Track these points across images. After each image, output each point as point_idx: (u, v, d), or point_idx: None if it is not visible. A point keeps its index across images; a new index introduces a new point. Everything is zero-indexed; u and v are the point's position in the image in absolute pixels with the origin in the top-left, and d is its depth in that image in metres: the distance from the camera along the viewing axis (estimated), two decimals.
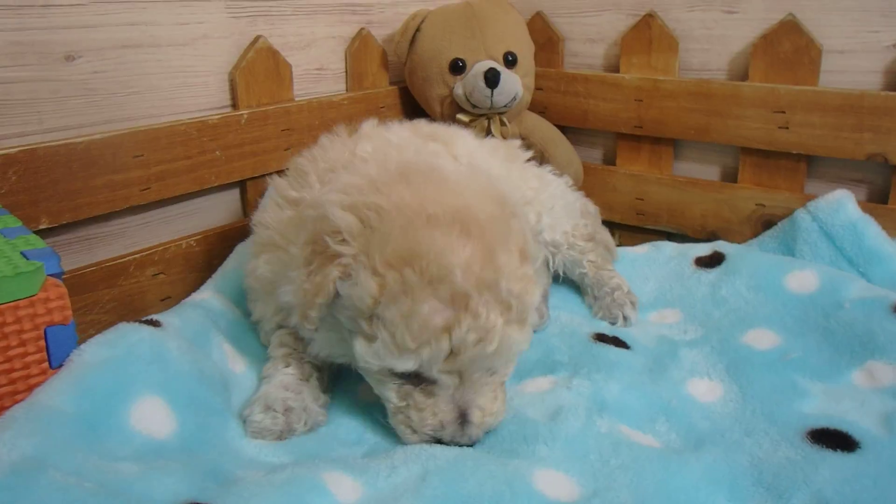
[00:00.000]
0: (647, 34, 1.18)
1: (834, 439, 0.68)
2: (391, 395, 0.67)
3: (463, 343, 0.60)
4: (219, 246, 1.01)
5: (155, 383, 0.62)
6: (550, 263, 1.00)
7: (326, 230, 0.62)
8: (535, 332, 0.88)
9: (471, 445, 0.66)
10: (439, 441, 0.66)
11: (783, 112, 1.08)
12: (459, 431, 0.66)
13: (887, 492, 0.60)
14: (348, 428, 0.72)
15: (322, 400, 0.73)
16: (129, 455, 0.56)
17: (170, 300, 0.97)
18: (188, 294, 0.90)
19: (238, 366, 0.79)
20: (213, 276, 0.92)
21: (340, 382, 0.79)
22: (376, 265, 0.60)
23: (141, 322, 0.68)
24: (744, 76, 1.13)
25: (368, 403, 0.74)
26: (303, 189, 0.76)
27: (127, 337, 0.64)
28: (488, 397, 0.67)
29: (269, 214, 0.78)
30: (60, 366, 0.59)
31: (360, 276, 0.60)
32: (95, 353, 0.60)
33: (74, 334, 0.60)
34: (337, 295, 0.62)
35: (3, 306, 0.55)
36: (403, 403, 0.66)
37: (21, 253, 0.59)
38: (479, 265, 0.60)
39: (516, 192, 0.98)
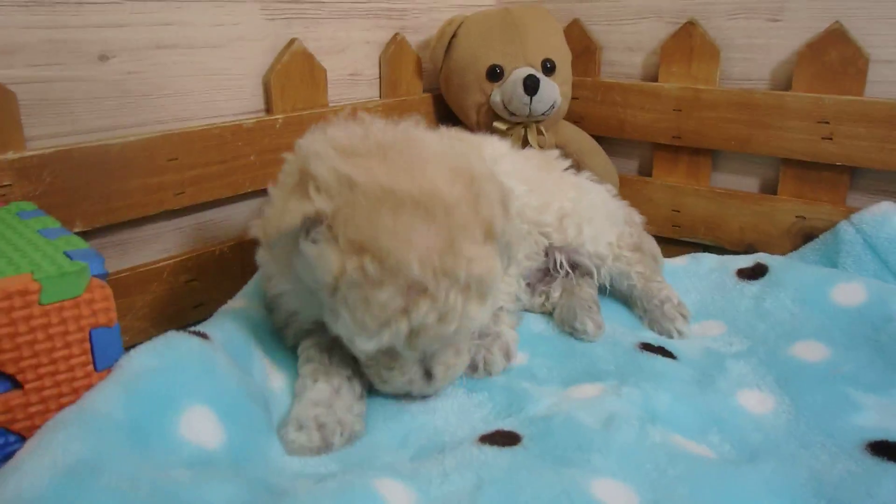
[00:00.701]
0: (688, 42, 1.17)
1: (894, 452, 0.67)
2: (361, 356, 0.72)
3: (422, 325, 0.63)
4: (252, 254, 0.99)
5: (204, 394, 0.61)
6: (595, 276, 0.98)
7: (310, 174, 0.65)
8: (590, 341, 0.89)
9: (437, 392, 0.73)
10: (408, 394, 0.73)
11: (827, 123, 1.07)
12: (426, 385, 0.72)
13: None
14: (390, 433, 0.71)
15: (357, 409, 0.72)
16: (180, 463, 0.54)
17: (202, 307, 0.96)
18: (221, 301, 0.89)
19: (276, 382, 0.77)
20: (248, 283, 0.90)
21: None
22: (340, 244, 0.62)
23: (189, 332, 0.67)
24: (786, 86, 1.12)
25: (408, 406, 0.74)
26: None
27: (177, 347, 0.63)
28: (450, 354, 0.72)
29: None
30: (105, 369, 0.58)
31: (324, 250, 0.63)
32: (144, 360, 0.59)
33: (119, 337, 0.59)
34: (299, 250, 0.64)
35: (48, 307, 0.54)
36: (373, 362, 0.72)
37: (64, 253, 0.58)
38: (438, 254, 0.62)
39: (551, 198, 0.97)
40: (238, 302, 0.86)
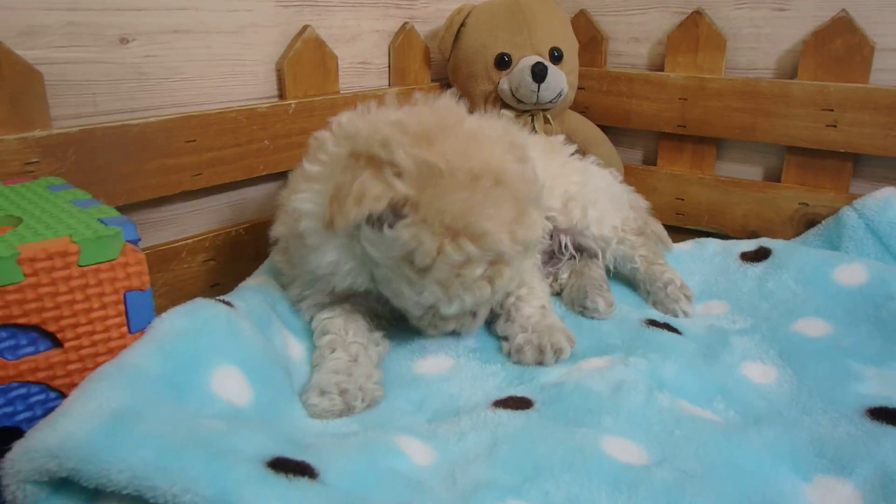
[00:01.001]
0: (695, 32, 1.21)
1: (895, 416, 0.70)
2: (415, 310, 0.78)
3: (502, 287, 0.74)
4: (266, 235, 1.03)
5: (232, 355, 0.65)
6: (601, 258, 1.02)
7: (387, 159, 0.68)
8: (602, 319, 0.93)
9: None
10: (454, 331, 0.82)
11: (832, 110, 1.11)
12: (473, 324, 0.81)
13: None
14: (406, 398, 0.74)
15: (376, 376, 0.76)
16: (212, 415, 0.58)
17: (219, 287, 1.00)
18: (237, 281, 0.92)
19: (295, 352, 0.81)
20: (265, 262, 0.94)
21: (393, 357, 0.82)
22: (436, 228, 0.68)
23: (215, 300, 0.71)
24: (791, 75, 1.16)
25: (423, 375, 0.78)
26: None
27: (204, 310, 0.67)
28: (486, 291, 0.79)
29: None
30: (139, 331, 0.61)
31: (420, 234, 0.68)
32: (175, 321, 0.63)
33: (151, 300, 0.62)
34: (371, 224, 0.70)
35: (86, 268, 0.57)
36: (426, 314, 0.79)
37: (98, 220, 0.61)
38: (516, 224, 0.71)
39: (556, 183, 1.00)
40: (257, 279, 0.90)
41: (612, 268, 1.04)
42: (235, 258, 1.02)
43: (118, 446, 0.47)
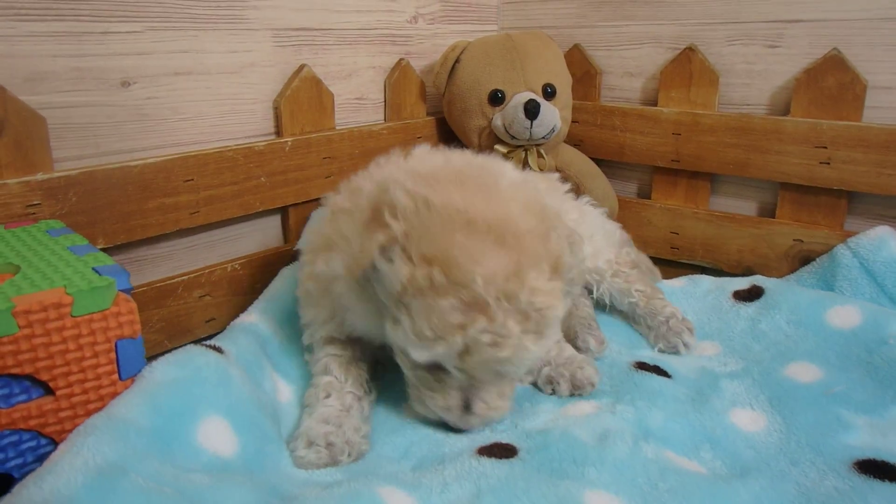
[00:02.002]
0: (688, 68, 1.23)
1: (882, 470, 0.70)
2: (409, 374, 0.76)
3: (476, 343, 0.66)
4: (262, 270, 1.06)
5: (220, 405, 0.66)
6: (594, 292, 1.04)
7: (386, 202, 0.69)
8: (594, 358, 0.93)
9: (472, 429, 0.76)
10: (443, 422, 0.76)
11: (825, 147, 1.12)
12: (462, 418, 0.75)
13: None
14: (393, 445, 0.76)
15: (363, 430, 0.76)
16: (198, 468, 0.60)
17: (214, 321, 1.02)
18: (232, 316, 0.95)
19: (284, 395, 0.83)
20: (260, 298, 0.97)
21: (382, 402, 0.84)
22: (412, 255, 0.66)
23: (206, 346, 0.73)
24: (785, 111, 1.18)
25: (412, 421, 0.79)
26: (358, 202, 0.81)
27: (195, 359, 0.69)
28: (493, 393, 0.75)
29: (324, 224, 0.83)
30: (129, 378, 0.64)
31: (396, 259, 0.67)
32: (165, 371, 0.65)
33: (142, 348, 0.64)
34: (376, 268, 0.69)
35: (79, 318, 0.60)
36: (418, 381, 0.75)
37: (93, 269, 0.64)
38: (504, 276, 0.66)
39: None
40: (250, 317, 0.92)
41: (607, 303, 1.06)
42: (231, 293, 1.05)
43: (103, 502, 0.49)
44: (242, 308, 0.97)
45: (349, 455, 0.72)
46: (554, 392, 0.85)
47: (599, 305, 1.07)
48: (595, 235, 1.04)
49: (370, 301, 0.73)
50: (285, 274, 1.00)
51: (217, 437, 0.64)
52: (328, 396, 0.77)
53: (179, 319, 0.99)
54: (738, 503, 0.66)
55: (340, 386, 0.78)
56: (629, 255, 1.07)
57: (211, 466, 0.61)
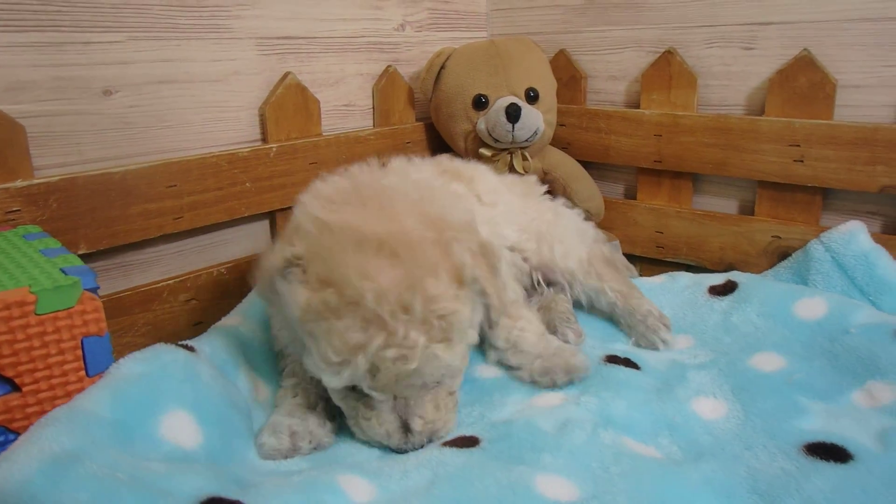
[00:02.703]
0: (667, 71, 1.23)
1: (829, 452, 0.71)
2: (340, 404, 0.74)
3: (382, 360, 0.65)
4: (248, 274, 1.06)
5: (185, 400, 0.67)
6: (568, 291, 1.03)
7: (296, 222, 0.73)
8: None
9: (417, 448, 0.73)
10: (388, 447, 0.73)
11: (798, 146, 1.12)
12: (404, 439, 0.72)
13: (875, 500, 0.63)
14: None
15: (328, 426, 0.77)
16: (158, 458, 0.61)
17: (201, 325, 1.03)
18: (219, 320, 0.95)
19: (261, 395, 0.84)
20: (242, 301, 0.97)
21: None
22: (310, 280, 0.67)
23: (176, 345, 0.74)
24: (760, 111, 1.17)
25: None
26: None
27: (162, 356, 0.70)
28: (428, 408, 0.73)
29: None
30: (97, 374, 0.64)
31: (295, 286, 0.67)
32: (132, 367, 0.66)
33: (109, 345, 0.65)
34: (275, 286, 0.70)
35: (44, 317, 0.61)
36: (353, 413, 0.74)
37: (60, 269, 0.65)
38: (397, 288, 0.65)
39: (532, 224, 1.03)
40: (232, 319, 0.93)
41: (584, 303, 1.06)
42: (217, 297, 1.05)
43: (54, 488, 0.50)
44: (228, 312, 0.98)
45: (310, 442, 0.73)
46: (553, 383, 0.84)
47: (578, 305, 1.07)
48: (566, 237, 1.04)
49: (279, 313, 0.75)
50: None
51: (180, 429, 0.65)
52: (296, 395, 0.78)
53: (165, 323, 1.00)
54: (687, 485, 0.67)
55: (306, 386, 0.79)
56: (602, 251, 1.06)
57: (171, 457, 0.62)
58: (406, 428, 0.72)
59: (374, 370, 0.66)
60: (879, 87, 1.07)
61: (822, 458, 0.69)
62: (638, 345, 0.99)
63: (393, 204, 0.72)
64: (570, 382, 0.84)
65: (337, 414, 0.79)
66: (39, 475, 0.51)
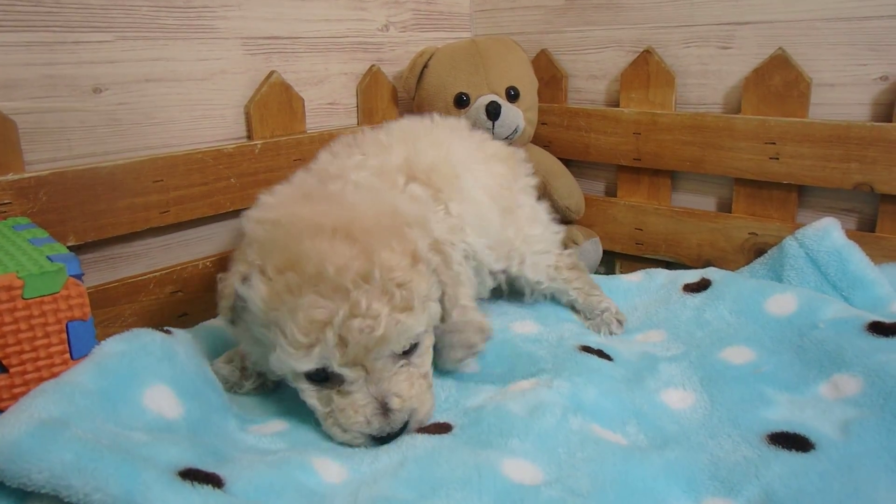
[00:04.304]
0: (646, 70, 1.28)
1: (791, 441, 0.74)
2: (315, 403, 0.76)
3: (348, 331, 0.68)
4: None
5: (165, 375, 0.73)
6: (526, 295, 1.10)
7: (244, 240, 0.76)
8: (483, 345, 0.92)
9: (398, 433, 0.74)
10: (370, 436, 0.74)
11: (774, 143, 1.16)
12: (385, 421, 0.73)
13: (831, 485, 0.66)
14: None
15: (274, 376, 0.82)
16: (140, 427, 0.66)
17: (186, 317, 1.08)
18: (204, 311, 1.01)
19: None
20: None
21: None
22: (267, 271, 0.70)
23: (154, 329, 0.79)
24: (737, 110, 1.22)
25: None
26: None
27: (141, 337, 0.75)
28: (403, 386, 0.75)
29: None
30: (80, 357, 0.70)
31: (253, 281, 0.71)
32: (114, 346, 0.72)
33: (93, 329, 0.70)
34: (243, 302, 0.73)
35: (30, 301, 0.66)
36: (328, 409, 0.75)
37: (47, 257, 0.70)
38: (357, 262, 0.69)
39: (505, 243, 1.04)
40: (217, 320, 0.97)
41: (548, 299, 1.13)
42: (203, 290, 1.10)
43: (41, 448, 0.55)
44: (214, 304, 1.01)
45: (253, 382, 0.86)
46: (470, 346, 0.89)
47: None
48: (539, 249, 1.08)
49: (256, 343, 0.77)
50: None
51: (162, 401, 0.70)
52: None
53: (151, 315, 1.05)
54: (650, 471, 0.70)
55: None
56: (570, 256, 1.12)
57: (154, 426, 0.67)
58: (384, 409, 0.73)
59: (342, 343, 0.69)
60: (853, 85, 1.12)
61: (783, 447, 0.72)
62: (598, 331, 1.06)
63: (344, 199, 0.77)
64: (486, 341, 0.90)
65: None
66: (28, 437, 0.56)
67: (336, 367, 0.71)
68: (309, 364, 0.71)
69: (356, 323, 0.68)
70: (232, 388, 0.84)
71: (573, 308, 1.11)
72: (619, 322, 1.05)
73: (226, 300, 0.75)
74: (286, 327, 0.69)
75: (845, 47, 1.11)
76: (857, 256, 1.06)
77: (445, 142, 1.01)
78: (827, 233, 1.09)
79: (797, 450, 0.72)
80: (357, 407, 0.73)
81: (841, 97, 1.13)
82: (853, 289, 1.05)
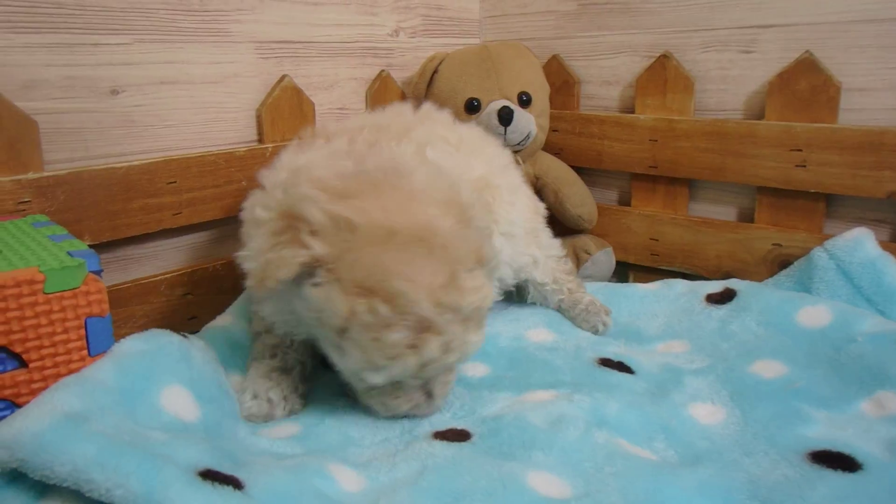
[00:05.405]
0: (663, 75, 1.30)
1: (836, 460, 0.73)
2: (364, 393, 0.81)
3: (430, 358, 0.72)
4: (243, 271, 1.14)
5: (183, 377, 0.74)
6: (529, 296, 1.14)
7: (300, 218, 0.71)
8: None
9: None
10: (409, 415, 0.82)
11: (800, 150, 1.16)
12: (429, 407, 0.82)
13: None
14: (358, 427, 0.82)
15: (301, 389, 0.86)
16: (158, 427, 0.68)
17: (196, 319, 1.10)
18: (214, 314, 1.03)
19: None
20: (237, 300, 1.04)
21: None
22: (347, 287, 0.69)
23: (170, 332, 0.81)
24: (760, 116, 1.22)
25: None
26: None
27: (159, 337, 0.78)
28: (449, 376, 0.83)
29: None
30: (98, 354, 0.72)
31: (331, 293, 0.69)
32: (132, 345, 0.74)
33: (111, 327, 0.72)
34: (298, 284, 0.72)
35: (51, 295, 0.68)
36: (376, 392, 0.80)
37: (67, 252, 0.73)
38: (442, 289, 0.70)
39: (520, 262, 1.08)
40: (225, 318, 1.00)
41: (538, 303, 1.15)
42: (213, 292, 1.13)
43: (64, 441, 0.57)
44: (224, 307, 1.05)
45: (284, 409, 0.83)
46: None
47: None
48: (550, 259, 1.13)
49: (287, 306, 0.78)
50: None
51: (179, 403, 0.72)
52: (274, 356, 0.86)
53: (162, 316, 1.08)
54: (683, 487, 0.69)
55: (286, 350, 0.87)
56: (566, 264, 1.16)
57: (171, 427, 0.69)
58: (429, 395, 0.81)
59: (421, 366, 0.73)
60: (885, 89, 1.11)
61: (828, 467, 0.71)
62: (580, 328, 1.10)
63: (411, 192, 0.74)
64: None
65: (308, 375, 0.88)
66: (51, 429, 0.58)
67: (408, 380, 0.77)
68: (382, 379, 0.73)
69: (438, 349, 0.72)
70: (264, 420, 0.82)
71: (559, 308, 1.14)
72: (607, 312, 1.10)
73: (277, 282, 0.70)
74: (367, 350, 0.71)
75: (876, 50, 1.11)
76: (892, 268, 1.04)
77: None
78: (859, 243, 1.07)
79: (843, 469, 0.70)
80: (410, 397, 0.80)
81: (872, 102, 1.12)
82: (890, 302, 1.03)
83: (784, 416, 0.82)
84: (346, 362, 0.73)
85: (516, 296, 1.16)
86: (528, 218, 1.09)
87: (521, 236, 1.06)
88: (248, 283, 0.80)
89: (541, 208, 1.15)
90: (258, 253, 0.75)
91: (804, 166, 1.17)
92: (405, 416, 0.82)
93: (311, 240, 0.70)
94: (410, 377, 0.75)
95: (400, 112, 1.06)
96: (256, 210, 0.81)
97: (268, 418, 0.82)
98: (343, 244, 0.69)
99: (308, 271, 0.70)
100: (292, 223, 0.71)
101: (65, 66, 0.97)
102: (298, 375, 0.87)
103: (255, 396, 0.83)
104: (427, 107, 1.09)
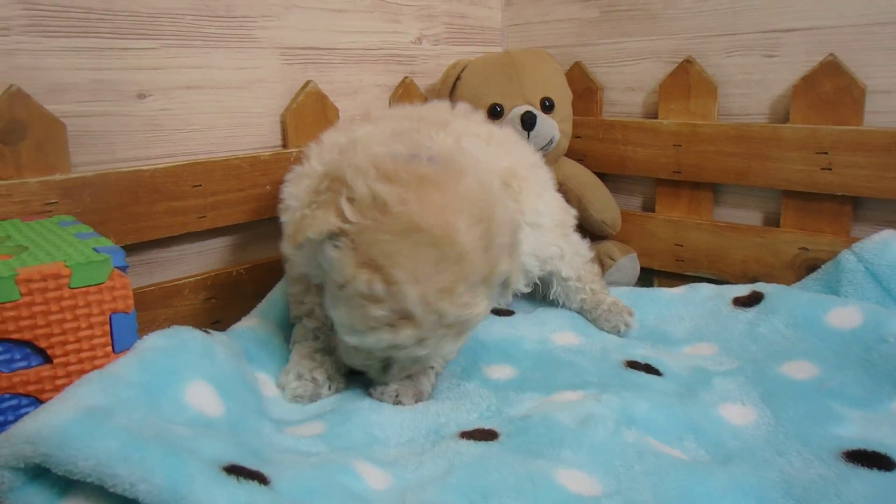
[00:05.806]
0: (686, 80, 1.28)
1: (871, 459, 0.71)
2: (339, 336, 0.82)
3: (401, 344, 0.75)
4: (265, 276, 1.13)
5: (206, 372, 0.73)
6: (551, 291, 1.12)
7: (345, 184, 0.74)
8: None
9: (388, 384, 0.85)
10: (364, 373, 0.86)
11: (826, 153, 1.14)
12: (380, 374, 0.85)
13: None
14: (383, 428, 0.80)
15: (343, 370, 0.89)
16: (182, 422, 0.66)
17: (219, 324, 1.08)
18: (236, 319, 1.01)
19: (269, 390, 0.88)
20: (262, 302, 1.03)
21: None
22: (360, 257, 0.72)
23: (193, 328, 0.79)
24: (784, 119, 1.20)
25: (409, 409, 0.84)
26: None
27: (182, 333, 0.76)
28: (414, 368, 0.85)
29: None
30: (122, 351, 0.70)
31: (344, 258, 0.73)
32: (155, 341, 0.72)
33: (135, 323, 0.71)
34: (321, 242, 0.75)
35: (76, 290, 0.67)
36: (347, 346, 0.83)
37: (93, 248, 0.71)
38: (437, 294, 0.72)
39: (551, 257, 1.08)
40: (250, 321, 0.99)
41: (561, 302, 1.13)
42: (236, 297, 1.11)
43: (88, 436, 0.55)
44: (246, 312, 1.03)
45: (329, 388, 0.86)
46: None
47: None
48: (578, 256, 1.11)
49: (309, 251, 0.81)
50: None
51: (203, 398, 0.70)
52: (316, 339, 0.88)
53: (185, 320, 1.06)
54: (715, 486, 0.67)
55: (327, 331, 0.88)
56: (593, 269, 1.14)
57: (195, 422, 0.67)
58: (385, 368, 0.84)
59: (391, 347, 0.76)
60: None
61: (863, 465, 0.70)
62: (602, 329, 1.08)
63: (451, 196, 0.74)
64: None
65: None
66: (74, 423, 0.56)
67: (376, 353, 0.80)
68: (355, 342, 0.77)
69: (411, 339, 0.75)
70: (310, 401, 0.85)
71: (581, 309, 1.11)
72: (630, 313, 1.08)
73: (303, 236, 0.74)
74: (351, 312, 0.75)
75: None
76: None
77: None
78: (888, 245, 1.06)
79: (879, 468, 0.69)
80: (368, 358, 0.83)
81: None
82: None
83: (816, 416, 0.81)
84: (335, 314, 0.78)
85: (540, 292, 1.14)
86: (556, 211, 1.08)
87: (548, 227, 1.06)
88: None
89: (570, 209, 1.13)
90: (297, 202, 0.82)
91: (830, 169, 1.15)
92: (359, 372, 0.87)
93: (347, 206, 0.73)
94: (380, 351, 0.78)
95: (438, 107, 1.09)
96: (312, 161, 0.88)
97: (314, 398, 0.84)
98: (371, 221, 0.72)
99: (334, 236, 0.74)
100: (334, 186, 0.75)
101: (93, 70, 0.97)
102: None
103: (299, 377, 0.85)
104: (463, 105, 1.10)
